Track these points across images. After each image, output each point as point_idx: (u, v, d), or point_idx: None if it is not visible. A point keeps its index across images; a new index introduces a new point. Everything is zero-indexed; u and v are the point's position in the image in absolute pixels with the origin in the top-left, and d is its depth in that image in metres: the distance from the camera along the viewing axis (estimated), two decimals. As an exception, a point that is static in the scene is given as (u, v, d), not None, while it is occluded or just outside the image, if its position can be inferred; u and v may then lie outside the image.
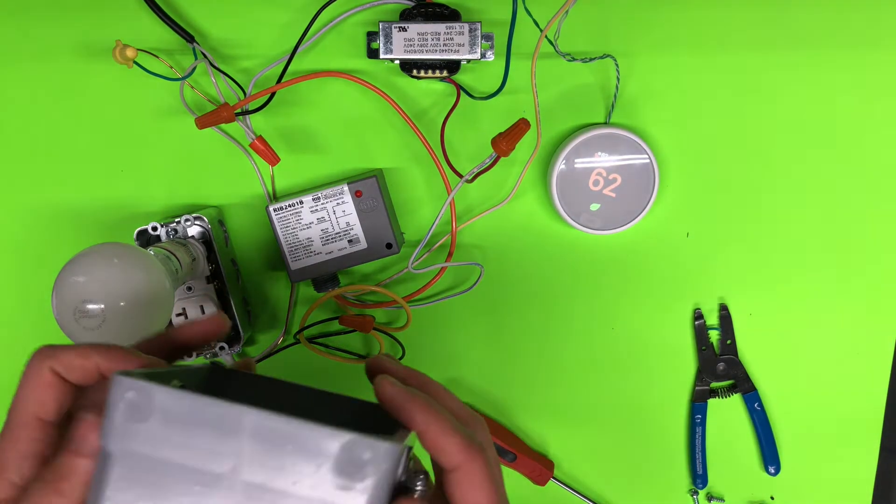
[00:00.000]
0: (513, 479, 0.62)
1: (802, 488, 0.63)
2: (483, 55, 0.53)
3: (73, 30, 0.56)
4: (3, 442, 0.32)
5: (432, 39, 0.52)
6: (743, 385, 0.61)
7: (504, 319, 0.61)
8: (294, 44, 0.54)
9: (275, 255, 0.59)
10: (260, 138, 0.54)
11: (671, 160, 0.58)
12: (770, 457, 0.62)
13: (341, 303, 0.59)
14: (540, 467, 0.61)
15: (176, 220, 0.54)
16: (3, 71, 0.57)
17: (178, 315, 0.54)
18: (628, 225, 0.57)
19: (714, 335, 0.61)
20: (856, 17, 0.56)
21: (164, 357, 0.35)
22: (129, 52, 0.52)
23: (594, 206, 0.57)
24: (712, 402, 0.62)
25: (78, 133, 0.57)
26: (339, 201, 0.55)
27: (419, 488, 0.30)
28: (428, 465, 0.34)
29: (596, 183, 0.56)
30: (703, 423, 0.62)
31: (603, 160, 0.56)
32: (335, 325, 0.60)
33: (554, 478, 0.62)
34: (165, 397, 0.28)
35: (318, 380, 0.61)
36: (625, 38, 0.56)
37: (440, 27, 0.52)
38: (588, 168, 0.56)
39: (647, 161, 0.56)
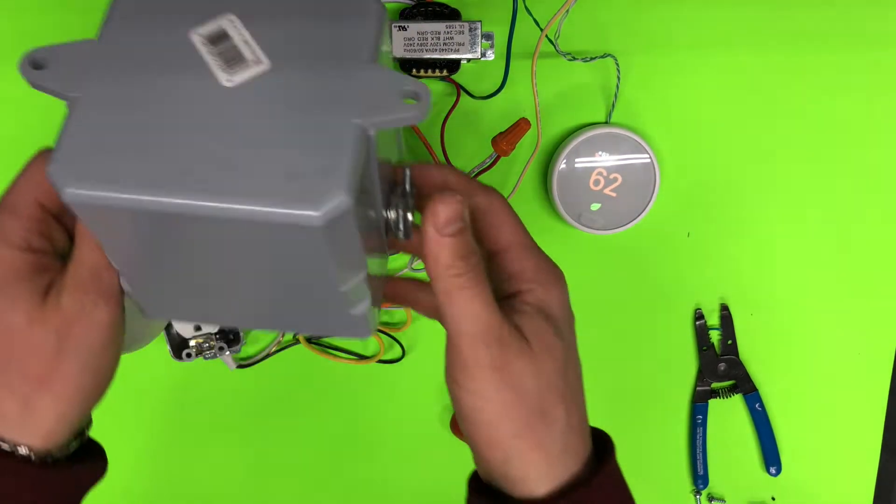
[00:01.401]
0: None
1: (803, 489, 0.63)
2: (483, 54, 0.53)
3: (72, 29, 0.56)
4: (5, 219, 0.31)
5: (432, 38, 0.52)
6: (744, 385, 0.61)
7: (504, 320, 0.60)
8: (293, 43, 0.54)
9: (274, 255, 0.59)
10: (259, 138, 0.53)
11: (672, 160, 0.58)
12: (771, 457, 0.62)
13: (341, 303, 0.59)
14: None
15: (175, 219, 0.54)
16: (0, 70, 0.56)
17: (178, 315, 0.54)
18: (629, 225, 0.57)
19: (715, 335, 0.61)
20: (857, 17, 0.56)
21: None
22: (128, 52, 0.52)
23: (595, 206, 0.56)
24: (713, 403, 0.62)
25: (77, 133, 0.57)
26: (339, 201, 0.54)
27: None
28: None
29: (596, 182, 0.56)
30: (703, 424, 0.62)
31: (603, 160, 0.55)
32: (335, 326, 0.60)
33: (554, 478, 0.62)
34: None
35: (313, 380, 0.61)
36: (625, 38, 0.56)
37: (440, 26, 0.52)
38: (588, 168, 0.56)
39: (648, 161, 0.55)
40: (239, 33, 0.27)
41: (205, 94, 0.26)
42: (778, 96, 0.57)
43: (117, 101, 0.27)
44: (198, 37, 0.27)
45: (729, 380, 0.61)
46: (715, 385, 0.62)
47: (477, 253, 0.31)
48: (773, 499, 0.64)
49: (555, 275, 0.34)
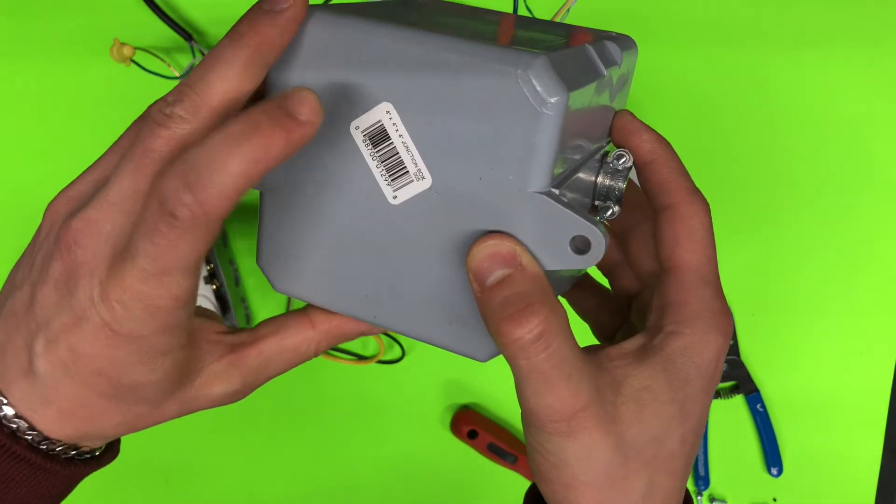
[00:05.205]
0: (514, 480, 0.61)
1: (805, 490, 0.63)
2: (484, 53, 0.52)
3: (70, 28, 0.55)
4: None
5: (432, 38, 0.52)
6: (745, 386, 0.61)
7: (505, 320, 0.60)
8: (293, 42, 0.54)
9: (274, 255, 0.59)
10: (258, 137, 0.53)
11: (673, 159, 0.58)
12: (772, 458, 0.62)
13: (341, 303, 0.59)
14: (541, 469, 0.61)
15: (174, 219, 0.54)
16: (-1, 69, 0.56)
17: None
18: (630, 225, 0.56)
19: (716, 336, 0.61)
20: (859, 15, 0.56)
21: None
22: (127, 51, 0.52)
23: (596, 206, 0.56)
24: (714, 404, 0.62)
25: (75, 132, 0.57)
26: (339, 201, 0.54)
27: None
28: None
29: (597, 182, 0.56)
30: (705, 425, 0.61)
31: (604, 159, 0.55)
32: (334, 326, 0.59)
33: (555, 479, 0.62)
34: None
35: (314, 380, 0.61)
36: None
37: (441, 25, 0.52)
38: (589, 167, 0.55)
39: (649, 160, 0.55)
40: (397, 132, 0.25)
41: (373, 210, 0.27)
42: (781, 95, 0.57)
43: (295, 200, 0.28)
44: (358, 133, 0.26)
45: (730, 380, 0.61)
46: (716, 386, 0.61)
47: (546, 301, 0.23)
48: (775, 500, 0.63)
49: (719, 322, 0.27)
